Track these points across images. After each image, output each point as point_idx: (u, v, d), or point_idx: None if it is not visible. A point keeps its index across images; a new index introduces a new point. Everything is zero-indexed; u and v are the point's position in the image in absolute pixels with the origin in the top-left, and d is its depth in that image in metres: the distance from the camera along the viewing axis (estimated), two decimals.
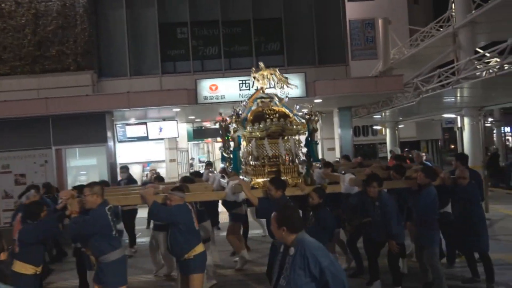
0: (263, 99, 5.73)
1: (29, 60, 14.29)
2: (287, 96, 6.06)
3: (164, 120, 14.49)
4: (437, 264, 5.47)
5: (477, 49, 13.33)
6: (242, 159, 5.73)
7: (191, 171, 18.39)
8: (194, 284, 4.71)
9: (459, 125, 14.51)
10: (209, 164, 12.05)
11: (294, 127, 5.57)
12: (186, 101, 11.43)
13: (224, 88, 11.63)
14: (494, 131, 22.62)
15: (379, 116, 16.96)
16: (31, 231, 4.66)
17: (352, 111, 15.93)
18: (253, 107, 5.72)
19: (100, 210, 4.38)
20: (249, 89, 11.75)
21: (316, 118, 5.75)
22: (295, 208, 3.19)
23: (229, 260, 7.58)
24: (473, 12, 12.19)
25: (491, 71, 8.33)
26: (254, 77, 5.92)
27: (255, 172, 5.51)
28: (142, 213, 8.08)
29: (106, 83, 14.66)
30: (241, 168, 5.58)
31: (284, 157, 5.57)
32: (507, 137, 30.08)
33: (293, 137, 5.65)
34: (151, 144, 15.51)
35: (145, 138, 14.56)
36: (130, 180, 9.37)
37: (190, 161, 19.68)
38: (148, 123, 14.42)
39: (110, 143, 12.11)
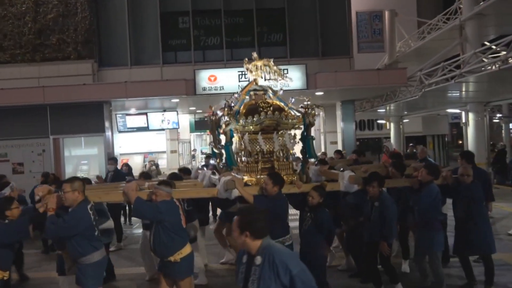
0: (256, 92, 5.49)
1: (29, 48, 14.18)
2: (281, 89, 5.80)
3: (165, 110, 14.32)
4: (439, 269, 5.19)
5: (485, 43, 12.97)
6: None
7: (192, 163, 18.28)
8: None
9: (464, 120, 14.21)
10: (209, 157, 11.87)
11: (290, 121, 5.31)
12: (184, 91, 11.26)
13: (223, 79, 11.43)
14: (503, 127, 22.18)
15: (384, 110, 16.69)
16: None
17: (356, 104, 15.71)
18: (246, 100, 5.49)
19: (81, 209, 3.99)
20: (248, 80, 11.53)
21: (312, 111, 5.47)
22: (261, 210, 2.83)
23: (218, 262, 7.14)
24: (480, 4, 11.84)
25: (497, 65, 8.02)
26: (247, 68, 5.66)
27: (248, 168, 5.21)
28: None
29: (106, 72, 14.50)
30: (236, 163, 5.30)
31: (278, 153, 5.31)
32: None
33: (288, 132, 5.38)
34: (153, 134, 15.37)
35: (146, 129, 14.41)
36: (118, 172, 9.12)
37: (192, 153, 19.52)
38: (148, 114, 14.26)
39: (108, 133, 11.99)
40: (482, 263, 5.70)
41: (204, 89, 11.44)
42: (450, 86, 9.93)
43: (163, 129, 14.99)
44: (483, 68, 8.57)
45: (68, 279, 4.55)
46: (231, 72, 11.63)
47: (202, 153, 21.49)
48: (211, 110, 5.50)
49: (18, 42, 14.12)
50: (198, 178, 5.70)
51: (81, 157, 13.52)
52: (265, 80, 6.02)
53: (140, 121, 14.35)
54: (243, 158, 5.33)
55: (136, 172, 14.28)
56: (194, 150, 20.42)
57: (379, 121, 20.76)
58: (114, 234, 6.09)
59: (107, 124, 11.88)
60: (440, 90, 10.67)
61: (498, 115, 21.25)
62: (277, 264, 2.59)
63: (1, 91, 11.27)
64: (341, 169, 5.67)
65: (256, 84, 5.58)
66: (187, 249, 4.38)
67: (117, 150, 14.60)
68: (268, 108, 5.24)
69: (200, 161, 19.17)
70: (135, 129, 14.35)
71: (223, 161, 5.40)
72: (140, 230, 9.00)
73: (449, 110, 16.42)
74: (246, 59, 5.67)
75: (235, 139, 5.42)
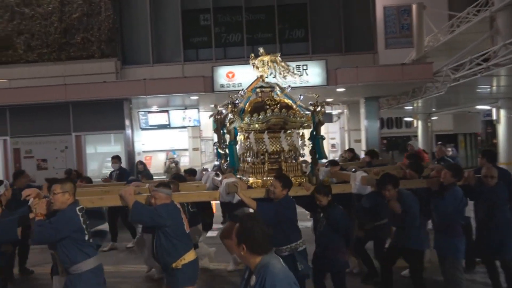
0: (263, 89, 5.29)
1: (55, 47, 14.52)
2: (289, 86, 5.59)
3: (186, 108, 14.34)
4: (459, 278, 4.77)
5: None
6: (239, 156, 5.17)
7: (215, 161, 18.26)
8: None
9: (495, 117, 13.50)
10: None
11: (298, 119, 5.03)
12: (203, 89, 11.20)
13: (241, 76, 11.28)
14: None
15: (411, 107, 16.11)
16: None
17: (382, 101, 15.25)
18: (252, 98, 5.29)
19: (69, 210, 3.69)
20: (267, 77, 11.35)
21: (322, 109, 5.19)
22: (262, 221, 2.47)
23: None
24: None
25: None
26: (253, 64, 5.45)
27: (254, 170, 4.91)
28: None
29: (129, 70, 14.68)
30: (239, 164, 5.06)
31: (286, 153, 5.03)
32: None
33: (297, 131, 5.14)
34: (175, 132, 15.43)
35: (167, 126, 14.47)
36: (123, 171, 8.90)
37: (214, 150, 19.51)
38: (170, 111, 14.32)
39: (128, 130, 12.09)
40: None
41: (222, 86, 11.35)
42: (478, 80, 9.38)
43: (184, 127, 15.02)
44: None
45: (63, 280, 4.36)
46: (249, 68, 11.37)
47: None
48: (216, 109, 5.32)
49: (45, 42, 14.49)
50: (202, 180, 5.50)
51: (106, 154, 13.73)
52: (274, 77, 5.84)
53: (161, 118, 14.43)
54: (249, 159, 5.08)
55: (157, 169, 14.57)
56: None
57: (406, 119, 20.12)
58: (106, 237, 5.83)
59: (127, 121, 11.98)
60: (466, 85, 10.11)
61: None
62: None
63: (25, 89, 11.58)
64: (353, 169, 5.30)
65: (263, 81, 5.37)
66: (190, 255, 4.08)
67: (140, 147, 14.77)
68: (275, 106, 5.01)
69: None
70: (156, 127, 14.44)
71: (228, 161, 5.19)
72: None
73: (479, 107, 15.66)
74: (252, 54, 5.44)
75: (240, 138, 5.18)
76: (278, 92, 5.41)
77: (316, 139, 5.20)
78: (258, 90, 5.29)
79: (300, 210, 4.95)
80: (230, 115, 4.83)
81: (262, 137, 4.93)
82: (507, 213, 5.22)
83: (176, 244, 3.97)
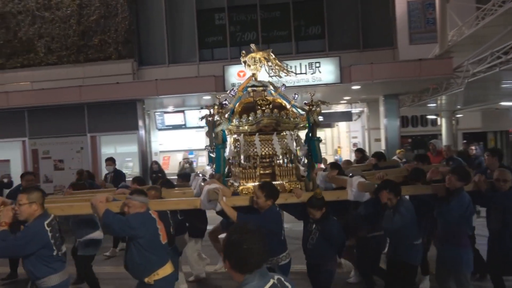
0: (254, 88, 5.07)
1: (74, 49, 14.78)
2: (283, 85, 5.33)
3: (202, 108, 14.27)
4: None
5: None
6: (231, 160, 4.92)
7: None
8: None
9: None
10: None
11: (291, 120, 4.77)
12: (214, 88, 11.08)
13: None
14: None
15: (434, 105, 15.44)
16: None
17: (402, 98, 14.72)
18: (244, 97, 5.07)
19: (36, 225, 3.43)
20: (271, 76, 11.13)
21: (318, 109, 4.88)
22: (258, 238, 2.06)
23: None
24: None
25: None
26: (245, 62, 5.17)
27: (245, 175, 4.63)
28: None
29: (145, 71, 14.77)
30: (225, 169, 4.80)
31: (280, 157, 4.75)
32: None
33: (291, 132, 4.86)
34: (192, 132, 15.43)
35: (182, 126, 14.48)
36: (118, 173, 8.69)
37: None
38: (185, 111, 14.31)
39: (142, 131, 12.14)
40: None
41: (233, 85, 11.16)
42: (502, 75, 8.79)
43: (200, 127, 14.97)
44: None
45: None
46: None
47: None
48: (208, 111, 5.08)
49: (64, 44, 14.77)
50: (191, 185, 5.27)
51: (123, 155, 13.86)
52: (269, 76, 5.62)
53: (177, 119, 14.46)
54: (240, 163, 4.78)
55: (174, 169, 14.59)
56: None
57: (429, 117, 19.37)
58: (100, 245, 5.52)
59: (140, 122, 12.03)
60: (490, 80, 9.50)
61: None
62: None
63: (42, 91, 11.80)
64: (350, 174, 4.79)
65: (255, 79, 5.15)
66: (166, 270, 3.73)
67: (157, 148, 14.85)
68: (267, 106, 4.79)
69: None
70: (171, 127, 14.48)
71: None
72: None
73: (504, 103, 14.82)
74: (244, 52, 5.21)
75: (230, 141, 4.89)
76: (272, 92, 5.17)
77: (312, 141, 4.92)
78: (249, 89, 5.07)
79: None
80: (216, 117, 4.59)
81: (253, 139, 4.72)
82: None
83: (149, 257, 3.62)
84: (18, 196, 3.55)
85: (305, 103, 5.03)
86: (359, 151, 8.71)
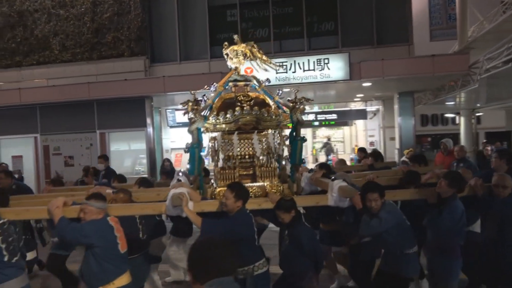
0: (236, 83, 4.86)
1: (88, 47, 14.95)
2: (268, 79, 5.09)
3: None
4: None
5: None
6: (211, 159, 4.69)
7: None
8: None
9: None
10: None
11: (273, 117, 4.49)
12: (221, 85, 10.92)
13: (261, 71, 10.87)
14: None
15: (453, 103, 14.83)
16: None
17: (419, 96, 14.22)
18: (224, 93, 4.86)
19: None
20: (286, 72, 10.93)
21: (302, 106, 4.61)
22: (218, 245, 1.98)
23: None
24: None
25: None
26: (227, 54, 4.92)
27: (223, 176, 4.42)
28: None
29: (157, 68, 14.79)
30: (200, 171, 4.55)
31: (260, 157, 4.51)
32: None
33: (273, 131, 4.63)
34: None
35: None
36: (110, 171, 8.28)
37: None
38: None
39: (150, 128, 12.15)
40: None
41: None
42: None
43: None
44: None
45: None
46: None
47: None
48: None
49: (78, 42, 14.96)
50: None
51: (134, 152, 13.94)
52: (257, 71, 5.41)
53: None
54: (218, 164, 4.60)
55: (185, 167, 14.56)
56: None
57: (446, 115, 18.66)
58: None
59: (148, 119, 12.05)
60: (507, 77, 8.96)
61: None
62: None
63: (53, 88, 11.99)
64: (332, 177, 4.34)
65: (238, 74, 4.93)
66: (122, 280, 3.51)
67: (168, 145, 14.88)
68: (248, 103, 4.57)
69: None
70: (181, 124, 14.44)
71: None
72: None
73: None
74: (226, 43, 4.97)
75: (209, 140, 4.72)
76: (257, 87, 4.95)
77: (295, 141, 4.66)
78: (231, 84, 4.86)
79: None
80: (190, 114, 4.39)
81: (231, 138, 4.52)
82: None
83: (106, 267, 3.41)
84: None
85: (288, 100, 4.80)
86: (361, 151, 8.34)
